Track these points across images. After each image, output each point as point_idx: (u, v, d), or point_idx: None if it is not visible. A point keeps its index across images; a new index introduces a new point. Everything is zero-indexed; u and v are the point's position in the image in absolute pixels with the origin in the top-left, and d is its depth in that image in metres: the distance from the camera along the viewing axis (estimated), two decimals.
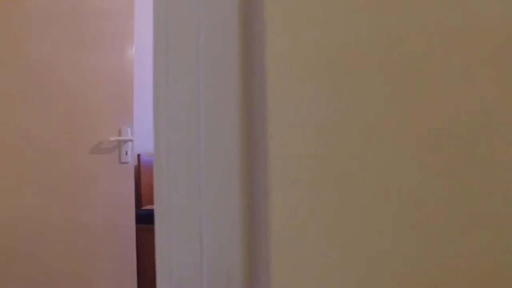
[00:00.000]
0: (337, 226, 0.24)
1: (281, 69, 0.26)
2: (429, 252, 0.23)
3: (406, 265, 0.23)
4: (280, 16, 0.26)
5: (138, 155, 1.93)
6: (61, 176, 1.26)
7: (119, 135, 1.48)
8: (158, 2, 0.29)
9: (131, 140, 1.52)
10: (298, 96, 0.26)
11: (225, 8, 0.26)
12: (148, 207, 1.85)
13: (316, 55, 0.25)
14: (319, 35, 0.25)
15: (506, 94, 0.22)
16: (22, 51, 1.17)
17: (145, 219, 1.60)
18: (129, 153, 1.55)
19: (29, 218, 1.15)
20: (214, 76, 0.26)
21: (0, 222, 1.10)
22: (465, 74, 0.23)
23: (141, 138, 1.75)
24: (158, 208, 0.28)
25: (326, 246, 0.24)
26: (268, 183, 0.25)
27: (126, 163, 1.52)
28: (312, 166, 0.25)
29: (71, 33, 1.25)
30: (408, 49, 0.24)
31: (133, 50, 1.51)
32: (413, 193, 0.23)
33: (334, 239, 0.24)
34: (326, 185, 0.25)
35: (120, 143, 1.48)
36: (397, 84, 0.24)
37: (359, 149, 0.24)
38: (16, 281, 1.11)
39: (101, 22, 1.32)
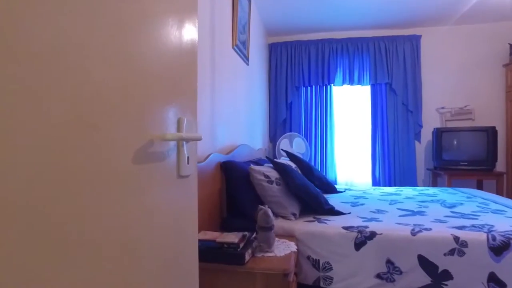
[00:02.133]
0: None
1: None
2: None
3: None
4: None
5: None
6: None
7: (178, 130, 0.90)
8: None
9: (199, 139, 0.93)
10: None
11: None
12: (203, 235, 1.50)
13: None
14: None
15: None
16: None
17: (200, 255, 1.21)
18: (191, 160, 0.96)
19: None
20: None
21: None
22: None
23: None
24: None
25: None
26: None
27: (186, 177, 0.94)
28: None
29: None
30: None
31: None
32: None
33: None
34: None
35: (179, 145, 0.91)
36: None
37: None
38: None
39: None
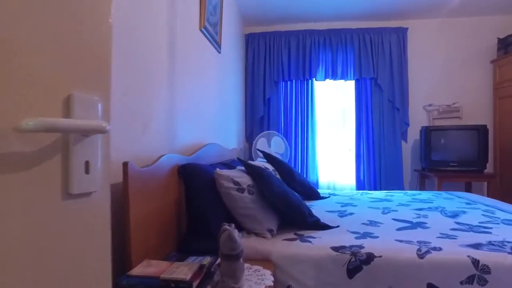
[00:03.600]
0: None
1: None
2: None
3: None
4: None
5: (125, 165, 1.12)
6: None
7: (65, 114, 0.51)
8: None
9: (102, 131, 0.55)
10: None
11: None
12: (143, 269, 1.06)
13: None
14: None
15: None
16: None
17: None
18: (96, 167, 0.56)
19: None
20: None
21: None
22: None
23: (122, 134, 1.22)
24: None
25: None
26: None
27: (85, 195, 0.54)
28: None
29: None
30: None
31: None
32: None
33: None
34: None
35: (67, 141, 0.51)
36: None
37: None
38: None
39: None
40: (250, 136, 4.19)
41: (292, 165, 4.11)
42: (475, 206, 2.25)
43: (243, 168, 1.84)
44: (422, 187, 3.98)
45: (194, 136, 2.20)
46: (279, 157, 3.79)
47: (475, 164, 3.59)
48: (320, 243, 1.47)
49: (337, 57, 4.10)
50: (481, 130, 3.57)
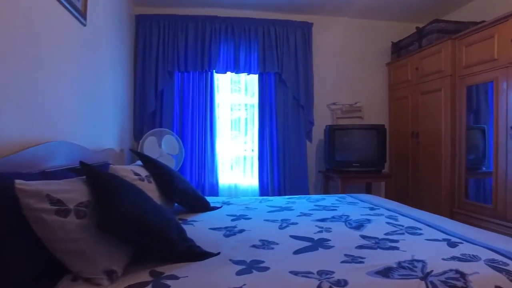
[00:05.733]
0: None
1: None
2: None
3: None
4: None
5: None
6: None
7: None
8: None
9: None
10: None
11: None
12: None
13: None
14: None
15: None
16: None
17: None
18: None
19: None
20: None
21: None
22: None
23: None
24: None
25: None
26: None
27: None
28: None
29: None
30: None
31: None
32: None
33: None
34: None
35: None
36: None
37: None
38: None
39: None
40: (139, 134, 3.52)
41: (188, 168, 3.58)
42: (378, 212, 2.04)
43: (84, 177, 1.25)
44: (326, 189, 3.84)
45: (36, 131, 1.52)
46: (173, 159, 3.23)
47: (375, 164, 3.56)
48: (186, 287, 0.99)
49: (240, 48, 3.72)
50: (380, 130, 3.55)
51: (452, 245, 1.38)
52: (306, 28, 3.87)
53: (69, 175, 1.43)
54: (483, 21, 2.85)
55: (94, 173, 1.20)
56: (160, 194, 1.87)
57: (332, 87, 4.03)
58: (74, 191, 1.10)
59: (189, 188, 2.08)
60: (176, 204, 2.08)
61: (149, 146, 3.12)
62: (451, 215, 3.00)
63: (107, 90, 2.74)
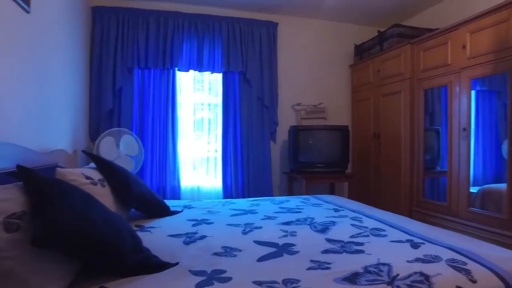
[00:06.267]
0: None
1: None
2: None
3: None
4: None
5: None
6: None
7: None
8: None
9: None
10: None
11: None
12: None
13: None
14: None
15: None
16: None
17: None
18: None
19: None
20: None
21: None
22: None
23: None
24: None
25: None
26: None
27: None
28: None
29: None
30: None
31: None
32: None
33: None
34: None
35: None
36: None
37: None
38: None
39: None
40: (96, 135, 3.30)
41: (149, 170, 3.41)
42: (343, 213, 2.03)
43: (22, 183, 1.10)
44: (290, 190, 3.83)
45: None
46: (132, 160, 3.06)
47: (338, 164, 3.60)
48: None
49: (203, 46, 3.60)
50: (343, 131, 3.60)
51: (415, 246, 1.38)
52: (271, 28, 3.84)
53: (10, 180, 1.27)
54: (437, 29, 2.97)
55: (31, 178, 1.06)
56: (115, 199, 1.72)
57: (297, 88, 4.03)
58: (6, 200, 0.96)
59: (147, 191, 1.95)
60: (133, 210, 1.95)
61: (106, 146, 2.93)
62: (410, 214, 3.10)
63: (58, 86, 2.53)
